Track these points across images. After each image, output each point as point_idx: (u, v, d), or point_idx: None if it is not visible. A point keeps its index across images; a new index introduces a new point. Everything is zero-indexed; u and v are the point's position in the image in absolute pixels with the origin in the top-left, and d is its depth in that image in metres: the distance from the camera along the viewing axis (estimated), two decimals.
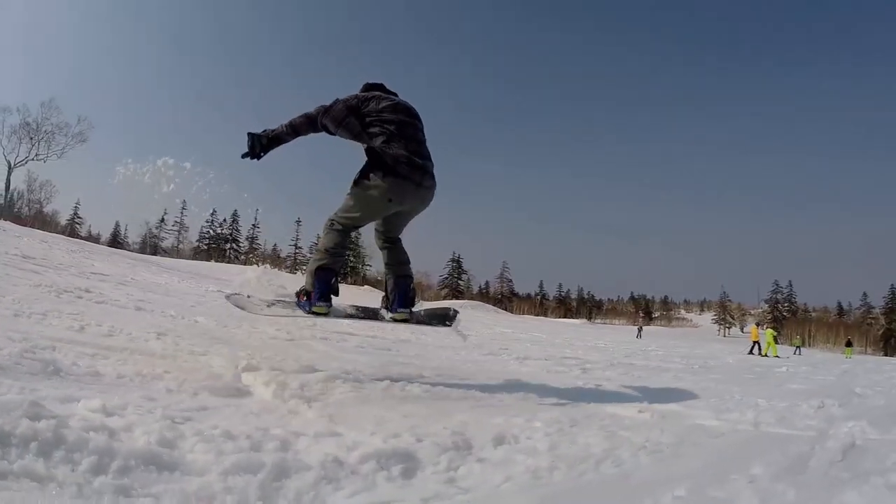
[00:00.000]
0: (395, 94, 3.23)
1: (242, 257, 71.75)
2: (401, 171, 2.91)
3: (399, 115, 3.00)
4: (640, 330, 44.21)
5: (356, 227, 3.16)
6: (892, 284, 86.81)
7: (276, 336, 4.28)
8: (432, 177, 3.07)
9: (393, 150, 2.91)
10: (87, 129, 42.24)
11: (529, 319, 51.50)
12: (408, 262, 3.32)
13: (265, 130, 3.00)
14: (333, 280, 3.10)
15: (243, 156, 2.99)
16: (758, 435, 2.62)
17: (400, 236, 3.33)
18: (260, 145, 2.97)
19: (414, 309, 3.25)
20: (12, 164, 40.64)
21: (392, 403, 2.50)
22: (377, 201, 3.00)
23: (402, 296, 3.21)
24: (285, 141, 2.99)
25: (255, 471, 1.40)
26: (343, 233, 3.09)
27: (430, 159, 3.09)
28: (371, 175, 2.94)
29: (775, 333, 22.04)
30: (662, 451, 2.12)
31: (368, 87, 3.19)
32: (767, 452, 2.15)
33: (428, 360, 4.36)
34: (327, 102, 3.02)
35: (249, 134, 2.96)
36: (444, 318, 3.36)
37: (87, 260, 11.84)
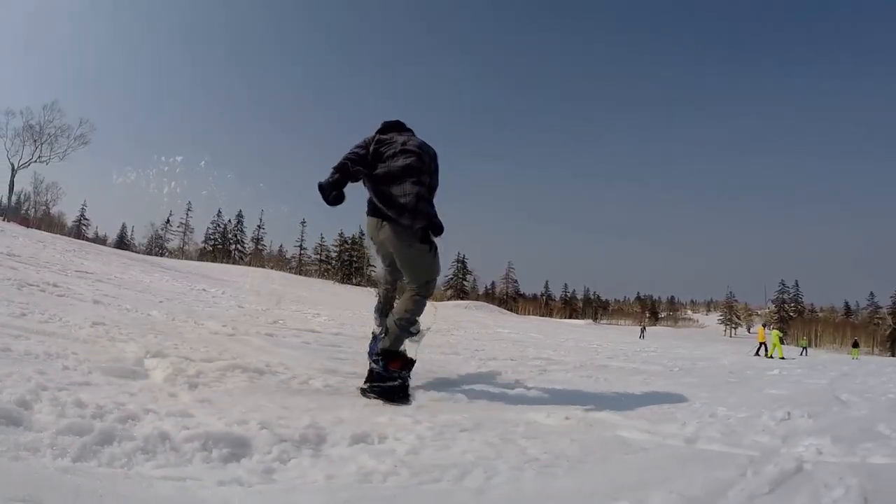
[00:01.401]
0: (410, 131, 3.27)
1: (247, 258, 72.16)
2: (372, 207, 3.02)
3: (399, 158, 3.01)
4: (643, 330, 44.12)
5: (385, 268, 3.47)
6: None
7: (218, 331, 4.38)
8: (415, 215, 2.91)
9: (376, 187, 2.99)
10: (89, 131, 42.99)
11: (532, 320, 51.33)
12: (395, 319, 3.09)
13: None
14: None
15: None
16: (686, 453, 2.34)
17: (412, 286, 3.13)
18: (331, 190, 2.85)
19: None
20: (16, 167, 41.35)
21: (281, 395, 2.56)
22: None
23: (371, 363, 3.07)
24: (342, 183, 2.88)
25: (83, 434, 1.56)
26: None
27: (415, 196, 2.93)
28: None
29: (781, 334, 21.85)
30: (556, 466, 1.96)
31: (384, 129, 3.23)
32: (679, 478, 1.89)
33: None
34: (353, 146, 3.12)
35: (319, 185, 2.86)
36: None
37: (77, 259, 12.11)
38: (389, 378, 2.92)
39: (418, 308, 3.11)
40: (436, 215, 3.04)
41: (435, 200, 3.16)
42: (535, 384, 4.03)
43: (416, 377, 3.35)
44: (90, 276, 8.47)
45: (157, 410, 1.89)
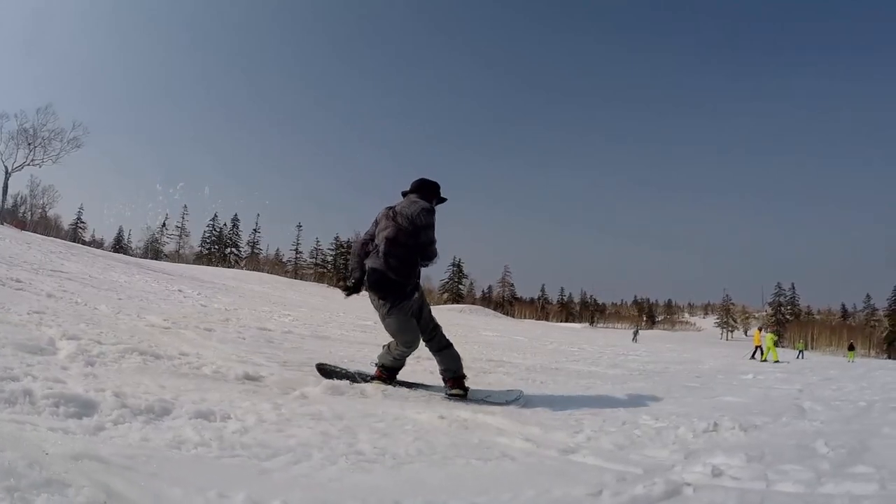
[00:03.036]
0: (419, 190, 3.61)
1: (243, 262, 72.53)
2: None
3: (382, 230, 3.46)
4: (635, 333, 44.33)
5: None
6: None
7: (155, 324, 4.76)
8: (374, 274, 3.41)
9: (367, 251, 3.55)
10: (82, 134, 43.39)
11: (525, 324, 51.60)
12: (390, 351, 3.60)
13: None
14: None
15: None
16: (550, 465, 2.21)
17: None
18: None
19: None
20: (9, 170, 41.90)
21: (166, 377, 2.81)
22: None
23: None
24: (362, 267, 3.57)
25: None
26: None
27: (376, 259, 3.40)
28: None
29: (775, 338, 21.60)
30: (379, 462, 1.97)
31: (405, 193, 3.67)
32: (507, 491, 1.80)
33: (301, 353, 4.65)
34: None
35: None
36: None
37: (59, 260, 12.49)
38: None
39: (402, 356, 3.57)
40: (408, 274, 3.40)
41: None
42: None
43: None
44: (63, 274, 8.84)
45: (36, 375, 2.25)
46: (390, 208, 3.53)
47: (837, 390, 6.54)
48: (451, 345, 3.63)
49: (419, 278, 3.55)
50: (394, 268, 3.35)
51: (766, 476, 2.12)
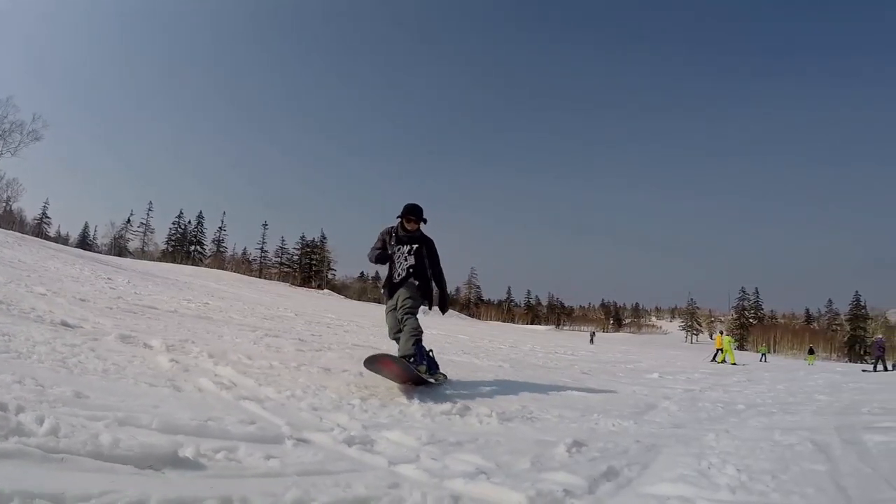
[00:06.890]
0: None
1: (206, 260, 72.24)
2: None
3: None
4: (592, 336, 45.97)
5: None
6: (857, 291, 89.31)
7: (34, 291, 6.03)
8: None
9: None
10: (42, 127, 43.49)
11: (482, 325, 52.01)
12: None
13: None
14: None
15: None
16: (202, 400, 2.65)
17: None
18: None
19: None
20: None
21: (25, 324, 4.01)
22: None
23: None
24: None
25: None
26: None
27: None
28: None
29: (733, 341, 22.31)
30: (69, 369, 2.66)
31: None
32: (160, 405, 2.35)
33: (153, 322, 5.68)
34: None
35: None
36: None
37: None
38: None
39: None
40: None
41: None
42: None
43: (170, 337, 4.75)
44: None
45: None
46: None
47: (737, 392, 6.39)
48: (405, 332, 3.96)
49: (396, 282, 4.19)
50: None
51: (415, 458, 2.11)
